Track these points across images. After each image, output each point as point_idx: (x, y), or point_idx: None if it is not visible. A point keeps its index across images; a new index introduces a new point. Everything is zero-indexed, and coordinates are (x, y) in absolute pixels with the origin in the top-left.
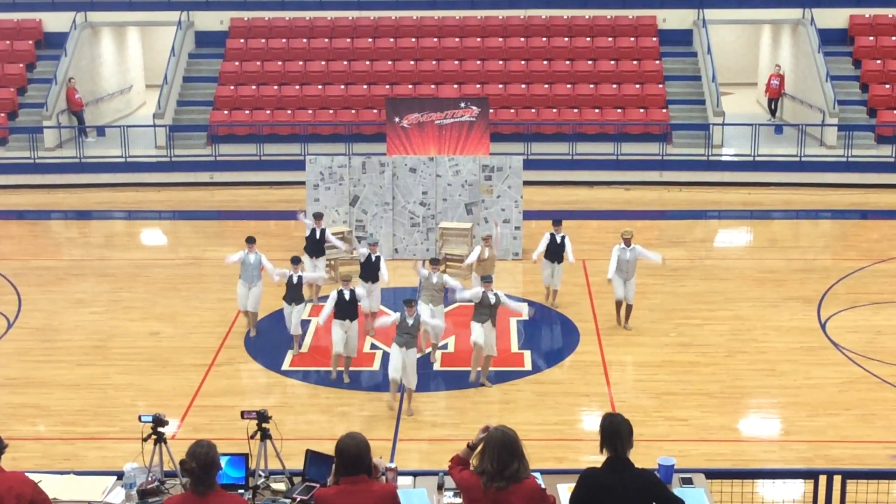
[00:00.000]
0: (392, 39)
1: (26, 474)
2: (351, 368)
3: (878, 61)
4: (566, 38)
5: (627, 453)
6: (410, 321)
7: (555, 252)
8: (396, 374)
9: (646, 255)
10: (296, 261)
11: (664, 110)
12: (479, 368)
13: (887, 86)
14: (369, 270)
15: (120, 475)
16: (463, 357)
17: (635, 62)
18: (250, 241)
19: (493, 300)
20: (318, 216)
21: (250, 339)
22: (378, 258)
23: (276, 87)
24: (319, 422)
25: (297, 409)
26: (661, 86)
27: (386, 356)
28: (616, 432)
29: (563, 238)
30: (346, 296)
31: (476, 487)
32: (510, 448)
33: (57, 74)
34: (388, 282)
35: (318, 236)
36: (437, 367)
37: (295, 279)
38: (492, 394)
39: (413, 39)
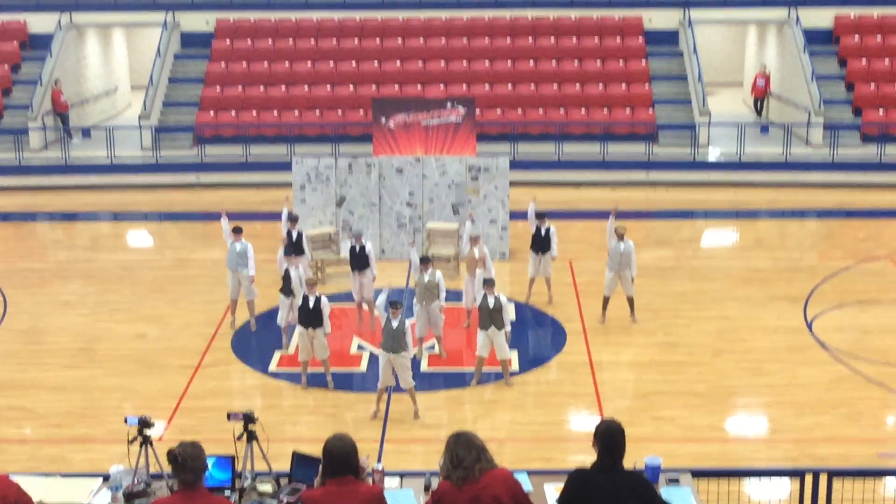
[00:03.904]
0: (378, 40)
1: (10, 477)
2: (338, 370)
3: (864, 60)
4: (552, 39)
5: (621, 462)
6: (395, 323)
7: (540, 243)
8: (384, 382)
9: (633, 257)
10: (288, 252)
11: (650, 110)
12: (482, 375)
13: (872, 85)
14: (356, 260)
15: (106, 477)
16: (450, 358)
17: (621, 62)
18: (237, 231)
19: (492, 304)
20: (294, 219)
21: (237, 340)
22: (363, 247)
23: (262, 88)
24: (306, 423)
25: (284, 411)
26: (647, 86)
27: (374, 358)
28: (615, 444)
29: (547, 230)
30: (311, 303)
31: (449, 490)
32: (465, 443)
33: (42, 76)
34: (376, 276)
35: (294, 238)
36: (424, 367)
37: (292, 272)
38: (479, 394)
39: (399, 40)
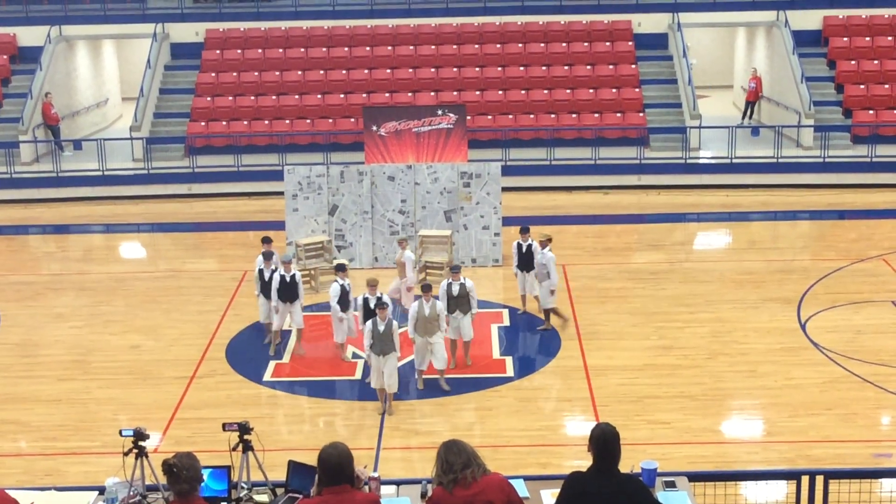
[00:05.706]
0: (368, 48)
1: (7, 492)
2: (333, 378)
3: (853, 62)
4: (542, 44)
5: (617, 466)
6: (382, 327)
7: (523, 261)
8: (377, 383)
9: (550, 268)
10: (341, 268)
11: (641, 114)
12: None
13: (862, 86)
14: (286, 290)
15: (102, 490)
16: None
17: (611, 67)
18: (266, 241)
19: (456, 290)
20: (267, 255)
21: (231, 350)
22: (293, 276)
23: (252, 98)
24: (302, 432)
25: (279, 420)
26: (637, 90)
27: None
28: (610, 448)
29: (528, 246)
30: (371, 303)
31: (443, 496)
32: (455, 449)
33: (32, 89)
34: (303, 304)
35: (267, 278)
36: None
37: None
38: (474, 400)
39: (389, 48)
